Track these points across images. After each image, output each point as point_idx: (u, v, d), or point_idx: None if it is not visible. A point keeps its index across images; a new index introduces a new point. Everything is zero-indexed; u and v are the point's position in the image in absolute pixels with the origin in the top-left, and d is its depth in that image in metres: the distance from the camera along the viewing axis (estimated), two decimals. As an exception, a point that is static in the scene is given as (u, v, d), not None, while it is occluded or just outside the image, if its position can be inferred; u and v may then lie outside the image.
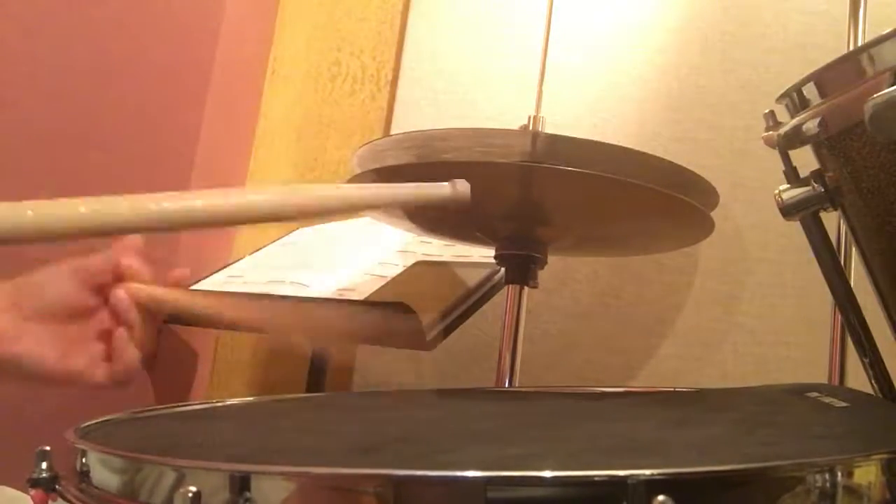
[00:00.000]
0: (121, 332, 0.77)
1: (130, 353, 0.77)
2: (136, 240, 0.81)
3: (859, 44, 0.86)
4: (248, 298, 0.91)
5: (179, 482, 0.41)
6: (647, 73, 1.17)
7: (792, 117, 0.60)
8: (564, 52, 1.15)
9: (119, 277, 0.79)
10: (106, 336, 0.78)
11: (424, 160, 0.84)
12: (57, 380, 0.76)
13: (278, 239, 1.17)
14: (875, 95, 0.48)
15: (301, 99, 1.31)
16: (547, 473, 0.37)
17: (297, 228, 1.21)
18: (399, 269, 0.98)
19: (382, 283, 0.94)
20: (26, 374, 0.74)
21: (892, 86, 0.48)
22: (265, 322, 0.86)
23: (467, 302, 0.89)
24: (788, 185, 0.62)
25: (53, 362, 0.75)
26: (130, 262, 0.80)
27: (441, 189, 0.69)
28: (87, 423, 0.57)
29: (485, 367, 1.09)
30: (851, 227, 0.63)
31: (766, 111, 0.63)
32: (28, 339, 0.74)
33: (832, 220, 0.68)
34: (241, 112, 1.24)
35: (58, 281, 0.77)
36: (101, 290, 0.79)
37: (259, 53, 1.28)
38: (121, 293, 0.78)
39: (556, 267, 1.12)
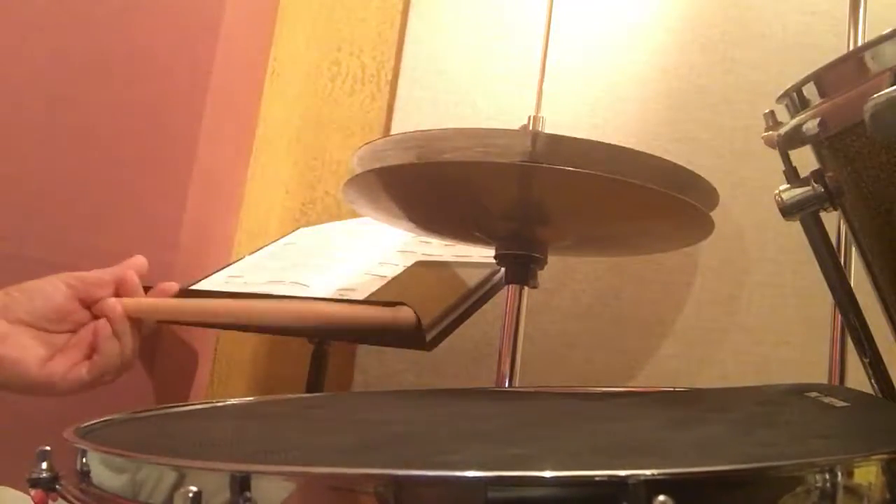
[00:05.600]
0: (109, 340, 0.77)
1: (114, 361, 0.78)
2: (141, 259, 0.82)
3: (859, 44, 0.86)
4: (242, 299, 0.91)
5: (179, 482, 0.41)
6: (647, 73, 1.17)
7: (792, 117, 0.60)
8: (564, 52, 1.15)
9: (120, 292, 0.80)
10: (88, 346, 0.78)
11: (424, 160, 0.84)
12: (34, 386, 0.75)
13: (278, 239, 1.17)
14: (875, 95, 0.48)
15: (301, 99, 1.31)
16: (547, 473, 0.37)
17: (298, 228, 1.21)
18: (399, 269, 0.98)
19: (382, 283, 0.94)
20: (5, 377, 0.74)
21: (892, 86, 0.48)
22: (255, 320, 0.86)
23: (467, 302, 0.89)
24: (788, 185, 0.62)
25: (34, 368, 0.75)
26: (134, 279, 0.81)
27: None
28: (87, 423, 0.57)
29: (485, 367, 1.09)
30: (851, 227, 0.63)
31: (766, 111, 0.63)
32: (12, 342, 0.75)
33: (832, 220, 0.68)
34: (241, 112, 1.24)
35: (49, 290, 0.78)
36: (92, 303, 0.79)
37: (259, 53, 1.28)
38: (114, 303, 0.78)
39: (556, 267, 1.12)
